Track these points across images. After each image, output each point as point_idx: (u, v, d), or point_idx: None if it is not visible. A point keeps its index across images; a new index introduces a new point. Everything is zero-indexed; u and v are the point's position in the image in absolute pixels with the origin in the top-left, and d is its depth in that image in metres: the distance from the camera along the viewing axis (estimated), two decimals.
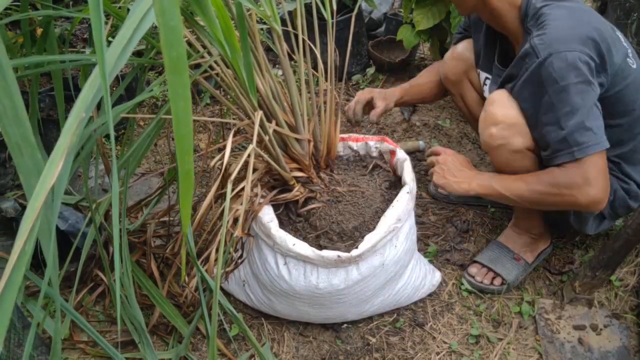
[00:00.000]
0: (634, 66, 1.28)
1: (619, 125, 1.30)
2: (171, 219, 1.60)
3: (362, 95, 1.65)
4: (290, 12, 1.43)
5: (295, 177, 1.34)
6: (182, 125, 0.51)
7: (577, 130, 1.18)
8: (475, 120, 1.72)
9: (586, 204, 1.22)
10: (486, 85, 1.53)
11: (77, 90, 1.44)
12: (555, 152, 1.22)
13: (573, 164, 1.21)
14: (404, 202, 1.31)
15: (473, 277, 1.53)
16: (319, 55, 1.32)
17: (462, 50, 1.62)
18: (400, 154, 1.45)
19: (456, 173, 1.39)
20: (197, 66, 1.23)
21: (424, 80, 1.75)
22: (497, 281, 1.51)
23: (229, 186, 1.07)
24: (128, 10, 1.12)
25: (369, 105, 1.66)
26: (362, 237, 1.28)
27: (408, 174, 1.39)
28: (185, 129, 0.51)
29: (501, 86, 1.36)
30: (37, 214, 0.45)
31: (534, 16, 1.26)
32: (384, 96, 1.65)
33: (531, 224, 1.54)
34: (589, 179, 1.19)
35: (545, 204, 1.29)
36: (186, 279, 1.33)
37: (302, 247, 1.24)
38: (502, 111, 1.28)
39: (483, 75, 1.54)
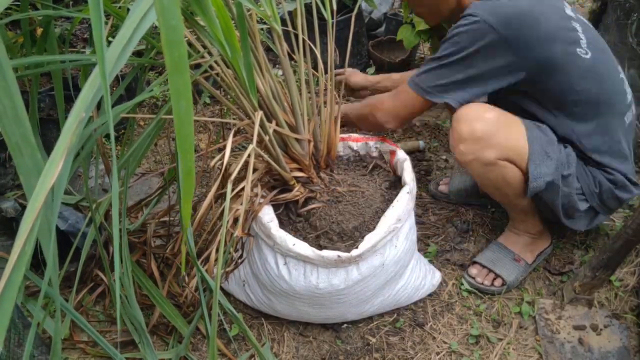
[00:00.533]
0: (587, 56, 1.31)
1: (584, 116, 1.34)
2: (171, 219, 1.60)
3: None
4: (290, 12, 1.43)
5: (295, 177, 1.34)
6: (183, 125, 0.51)
7: (427, 71, 1.35)
8: None
9: (379, 122, 1.47)
10: None
11: (77, 90, 1.44)
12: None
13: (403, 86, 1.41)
14: (404, 202, 1.31)
15: (473, 278, 1.53)
16: (319, 55, 1.32)
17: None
18: (400, 154, 1.45)
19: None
20: (197, 66, 1.23)
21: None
22: (498, 282, 1.51)
23: (229, 186, 1.07)
24: (128, 10, 1.12)
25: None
26: (362, 237, 1.28)
27: (408, 174, 1.39)
28: (187, 128, 0.51)
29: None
30: (37, 214, 0.45)
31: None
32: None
33: (528, 224, 1.54)
34: (390, 101, 1.44)
35: (360, 123, 1.55)
36: (186, 278, 1.33)
37: (302, 247, 1.24)
38: (467, 127, 1.30)
39: None
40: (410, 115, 1.46)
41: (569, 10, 1.37)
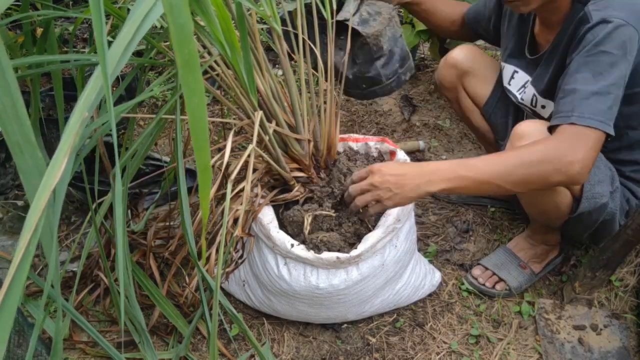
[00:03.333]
0: None
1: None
2: (172, 223, 1.60)
3: None
4: (290, 12, 1.43)
5: (295, 177, 1.34)
6: (197, 122, 0.51)
7: (588, 97, 1.08)
8: (472, 125, 1.73)
9: (567, 178, 1.07)
10: (513, 79, 1.49)
11: (76, 90, 1.43)
12: (555, 114, 1.13)
13: (566, 127, 1.09)
14: None
15: (476, 278, 1.53)
16: (319, 55, 1.32)
17: (456, 57, 1.62)
18: (401, 155, 1.45)
19: (400, 180, 1.10)
20: None
21: (448, 7, 1.63)
22: (500, 286, 1.51)
23: (229, 186, 1.07)
24: (128, 10, 1.12)
25: None
26: (361, 238, 1.28)
27: None
28: (201, 125, 0.51)
29: (551, 75, 1.31)
30: (41, 214, 0.45)
31: None
32: None
33: (547, 236, 1.53)
34: (575, 150, 1.06)
35: (526, 182, 1.09)
36: (187, 278, 1.33)
37: (301, 250, 1.24)
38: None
39: (510, 68, 1.49)
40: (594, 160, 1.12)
41: None
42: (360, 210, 1.17)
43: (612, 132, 1.09)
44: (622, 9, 1.13)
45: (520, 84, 1.47)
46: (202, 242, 0.84)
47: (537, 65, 1.38)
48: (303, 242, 1.28)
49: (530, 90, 1.41)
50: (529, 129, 1.19)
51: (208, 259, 1.18)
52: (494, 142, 1.70)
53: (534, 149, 1.09)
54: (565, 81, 1.15)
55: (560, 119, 1.11)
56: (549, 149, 1.07)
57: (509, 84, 1.51)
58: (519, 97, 1.47)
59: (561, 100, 1.14)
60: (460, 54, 1.61)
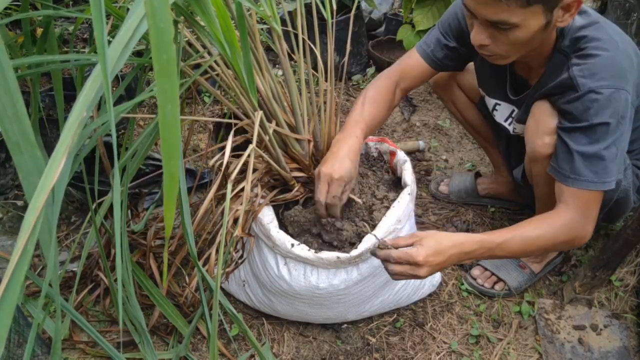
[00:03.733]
0: None
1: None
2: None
3: (331, 198, 1.23)
4: (290, 12, 1.43)
5: (295, 177, 1.34)
6: (169, 129, 0.50)
7: (589, 158, 1.13)
8: (468, 123, 1.72)
9: (575, 247, 1.22)
10: (497, 110, 1.48)
11: (76, 90, 1.43)
12: (556, 167, 1.19)
13: (573, 193, 1.16)
14: (404, 203, 1.31)
15: (475, 279, 1.53)
16: (319, 55, 1.32)
17: None
18: (401, 155, 1.45)
19: (441, 266, 1.12)
20: (197, 66, 1.23)
21: (375, 114, 1.37)
22: (499, 286, 1.51)
23: (229, 186, 1.07)
24: (128, 9, 1.12)
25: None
26: (362, 238, 1.28)
27: (409, 176, 1.38)
28: (173, 132, 0.50)
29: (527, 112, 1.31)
30: (39, 214, 0.45)
31: (573, 39, 1.16)
32: (351, 177, 1.24)
33: None
34: (586, 226, 1.17)
35: (543, 252, 1.26)
36: (187, 278, 1.33)
37: (301, 249, 1.24)
38: (554, 121, 1.21)
39: (492, 101, 1.48)
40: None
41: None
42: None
43: (613, 187, 1.16)
44: (607, 73, 1.11)
45: (505, 114, 1.45)
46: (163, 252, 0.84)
47: (522, 103, 1.36)
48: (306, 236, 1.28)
49: (519, 125, 1.40)
50: (543, 151, 1.23)
51: (208, 259, 1.18)
52: (490, 138, 1.69)
53: (558, 230, 1.16)
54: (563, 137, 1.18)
55: (562, 177, 1.18)
56: (571, 230, 1.16)
57: (493, 114, 1.50)
58: (511, 130, 1.46)
59: (560, 155, 1.18)
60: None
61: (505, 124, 1.46)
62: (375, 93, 1.37)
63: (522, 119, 1.37)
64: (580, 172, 1.14)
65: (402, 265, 1.09)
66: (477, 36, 1.12)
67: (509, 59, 1.20)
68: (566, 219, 1.17)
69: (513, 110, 1.42)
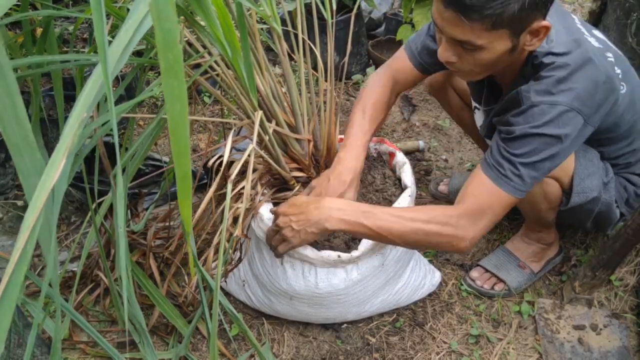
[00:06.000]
0: (623, 90, 1.20)
1: (622, 143, 1.29)
2: (172, 223, 1.60)
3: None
4: (290, 12, 1.43)
5: (295, 177, 1.34)
6: (178, 128, 0.50)
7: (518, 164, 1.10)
8: (464, 124, 1.72)
9: (454, 250, 1.17)
10: (475, 113, 1.48)
11: (76, 90, 1.43)
12: (487, 152, 1.16)
13: (483, 180, 1.12)
14: (405, 204, 1.31)
15: (474, 280, 1.53)
16: (319, 55, 1.32)
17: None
18: (400, 157, 1.45)
19: (300, 218, 1.14)
20: (197, 66, 1.23)
21: (381, 115, 1.39)
22: (499, 287, 1.51)
23: (229, 186, 1.07)
24: (128, 9, 1.12)
25: None
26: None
27: (408, 178, 1.38)
28: (182, 131, 0.50)
29: (490, 123, 1.31)
30: (39, 215, 0.45)
31: (536, 64, 1.14)
32: (354, 186, 1.29)
33: (542, 234, 1.52)
34: (469, 230, 1.12)
35: (418, 245, 1.20)
36: (186, 278, 1.33)
37: (302, 248, 1.24)
38: None
39: (473, 103, 1.48)
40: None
41: (598, 43, 1.19)
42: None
43: (518, 196, 1.13)
44: (556, 90, 1.09)
45: (480, 121, 1.45)
46: (188, 249, 0.84)
47: (489, 115, 1.35)
48: None
49: (487, 139, 1.40)
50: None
51: (206, 259, 1.18)
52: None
53: (434, 219, 1.13)
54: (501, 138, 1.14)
55: (487, 165, 1.14)
56: (448, 224, 1.12)
57: (473, 120, 1.50)
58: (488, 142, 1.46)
59: (494, 147, 1.14)
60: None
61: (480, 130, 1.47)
62: (374, 100, 1.37)
63: (485, 134, 1.38)
64: (498, 162, 1.11)
65: (269, 227, 1.19)
66: (444, 53, 1.11)
67: (476, 77, 1.19)
68: (451, 211, 1.13)
69: (482, 123, 1.43)
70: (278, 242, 1.20)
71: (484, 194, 1.13)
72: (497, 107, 1.25)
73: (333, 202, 1.16)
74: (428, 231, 1.12)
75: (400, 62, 1.41)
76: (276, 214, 1.20)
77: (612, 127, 1.23)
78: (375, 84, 1.40)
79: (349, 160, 1.28)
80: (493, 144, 1.16)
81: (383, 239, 1.15)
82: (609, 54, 1.19)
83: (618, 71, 1.18)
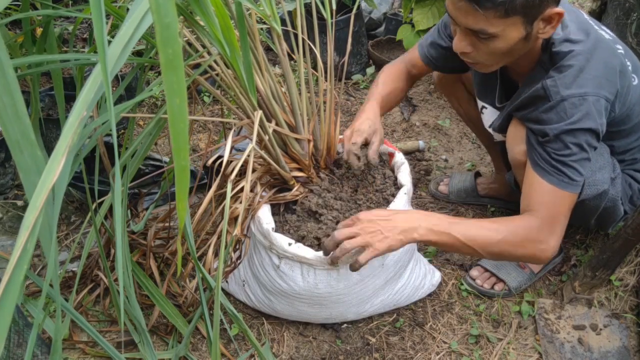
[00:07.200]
0: (635, 82, 1.23)
1: (632, 137, 1.31)
2: (172, 223, 1.60)
3: (350, 144, 1.35)
4: (290, 12, 1.43)
5: (295, 177, 1.34)
6: (178, 123, 0.50)
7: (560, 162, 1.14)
8: (471, 121, 1.72)
9: (537, 260, 1.19)
10: (483, 114, 1.49)
11: (76, 89, 1.43)
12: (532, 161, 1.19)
13: (544, 187, 1.15)
14: (402, 202, 1.31)
15: (474, 280, 1.53)
16: (318, 55, 1.32)
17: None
18: (399, 157, 1.45)
19: (390, 224, 1.12)
20: (196, 66, 1.23)
21: (390, 89, 1.49)
22: (499, 286, 1.51)
23: (229, 186, 1.07)
24: (127, 9, 1.12)
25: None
26: None
27: (405, 176, 1.39)
28: (181, 126, 0.51)
29: (507, 118, 1.31)
30: (39, 213, 0.45)
31: (553, 53, 1.16)
32: (374, 129, 1.38)
33: None
34: (550, 238, 1.15)
35: (501, 256, 1.21)
36: (185, 277, 1.33)
37: (300, 248, 1.24)
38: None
39: (480, 103, 1.49)
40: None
41: (608, 36, 1.23)
42: (349, 264, 1.18)
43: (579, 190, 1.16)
44: (582, 81, 1.12)
45: (490, 120, 1.45)
46: (177, 244, 0.84)
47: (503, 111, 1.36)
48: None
49: (498, 135, 1.43)
50: (520, 158, 1.25)
51: (206, 259, 1.18)
52: (492, 137, 1.68)
53: (518, 229, 1.16)
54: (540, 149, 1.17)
55: (544, 171, 1.16)
56: (532, 233, 1.15)
57: (479, 115, 1.51)
58: (495, 137, 1.47)
59: (539, 151, 1.17)
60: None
61: (490, 130, 1.47)
62: (389, 74, 1.51)
63: (499, 128, 1.38)
64: (553, 166, 1.14)
65: (344, 231, 1.11)
66: (459, 43, 1.14)
67: (492, 68, 1.21)
68: (530, 222, 1.16)
69: (494, 120, 1.43)
70: (355, 246, 1.11)
71: (552, 201, 1.15)
72: (516, 102, 1.25)
73: (421, 213, 1.18)
74: (514, 242, 1.15)
75: (412, 55, 1.53)
76: (358, 219, 1.14)
77: (624, 118, 1.24)
78: (394, 63, 1.55)
79: (365, 108, 1.41)
80: (534, 149, 1.18)
81: (467, 249, 1.15)
82: (619, 47, 1.22)
83: (628, 63, 1.21)
